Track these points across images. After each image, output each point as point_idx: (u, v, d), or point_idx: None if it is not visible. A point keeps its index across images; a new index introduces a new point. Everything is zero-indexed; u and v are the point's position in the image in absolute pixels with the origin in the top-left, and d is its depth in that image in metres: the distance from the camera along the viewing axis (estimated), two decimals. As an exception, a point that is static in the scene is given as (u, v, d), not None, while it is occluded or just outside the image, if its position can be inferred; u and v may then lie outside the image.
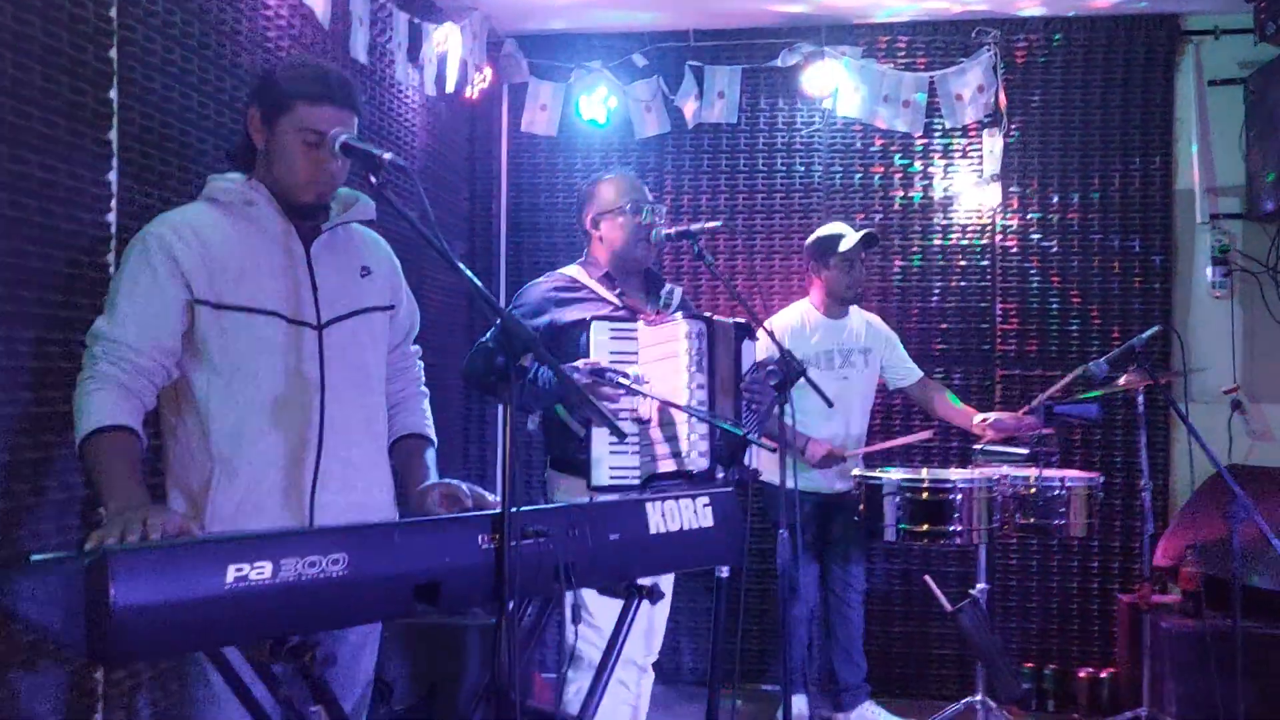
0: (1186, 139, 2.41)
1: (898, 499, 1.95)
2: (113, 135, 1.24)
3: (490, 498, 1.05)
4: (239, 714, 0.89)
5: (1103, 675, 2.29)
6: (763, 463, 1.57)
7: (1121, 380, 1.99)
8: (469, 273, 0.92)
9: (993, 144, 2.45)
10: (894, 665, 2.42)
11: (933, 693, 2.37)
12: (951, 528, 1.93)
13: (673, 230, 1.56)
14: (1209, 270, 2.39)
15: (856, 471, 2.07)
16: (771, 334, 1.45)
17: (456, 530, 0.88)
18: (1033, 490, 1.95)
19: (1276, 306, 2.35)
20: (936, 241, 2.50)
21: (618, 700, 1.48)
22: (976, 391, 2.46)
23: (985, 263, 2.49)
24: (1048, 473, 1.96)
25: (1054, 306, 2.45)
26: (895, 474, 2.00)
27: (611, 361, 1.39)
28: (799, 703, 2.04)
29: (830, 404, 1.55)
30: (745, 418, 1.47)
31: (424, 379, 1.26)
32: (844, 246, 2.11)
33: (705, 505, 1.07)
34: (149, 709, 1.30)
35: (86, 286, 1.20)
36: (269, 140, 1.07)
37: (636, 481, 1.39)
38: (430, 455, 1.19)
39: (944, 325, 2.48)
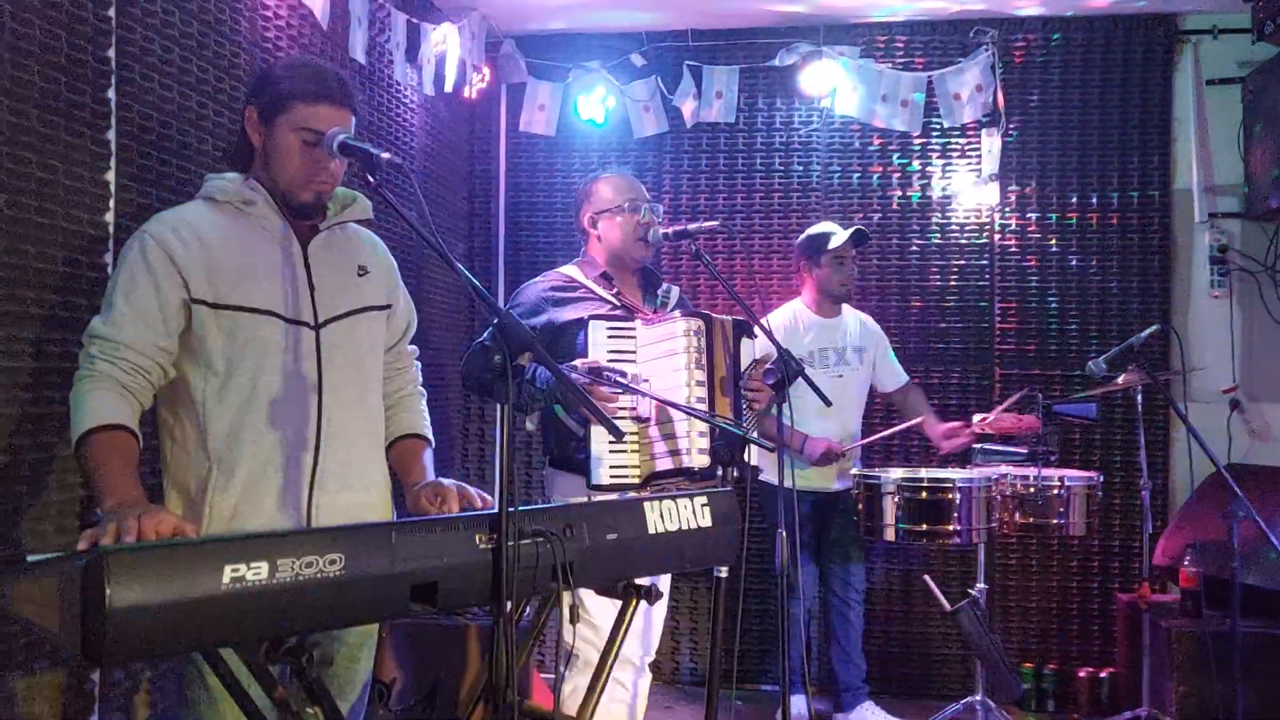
0: (1185, 138, 2.41)
1: (897, 499, 1.95)
2: (111, 135, 1.24)
3: (475, 496, 1.04)
4: (235, 715, 0.88)
5: (1102, 675, 2.29)
6: (761, 462, 1.57)
7: (1120, 379, 1.99)
8: (466, 272, 0.92)
9: (991, 143, 2.45)
10: (893, 665, 2.41)
11: (932, 693, 2.36)
12: (951, 527, 1.92)
13: (671, 230, 1.56)
14: (1207, 269, 2.39)
15: (855, 471, 2.07)
16: (770, 333, 1.45)
17: (454, 530, 0.88)
18: (1032, 489, 1.95)
19: (1275, 305, 2.35)
20: (935, 241, 2.50)
21: (614, 700, 1.48)
22: (976, 391, 2.46)
23: (984, 262, 2.49)
24: (1047, 472, 1.96)
25: (1053, 305, 2.45)
26: (894, 474, 2.00)
27: (610, 360, 1.38)
28: (798, 703, 2.04)
29: (828, 403, 1.55)
30: (744, 416, 1.47)
31: (421, 378, 1.26)
32: (834, 244, 2.12)
33: (703, 505, 1.07)
34: (146, 710, 1.30)
35: (85, 286, 1.20)
36: (266, 139, 1.07)
37: (636, 480, 1.39)
38: (428, 455, 1.19)
39: (943, 324, 2.48)
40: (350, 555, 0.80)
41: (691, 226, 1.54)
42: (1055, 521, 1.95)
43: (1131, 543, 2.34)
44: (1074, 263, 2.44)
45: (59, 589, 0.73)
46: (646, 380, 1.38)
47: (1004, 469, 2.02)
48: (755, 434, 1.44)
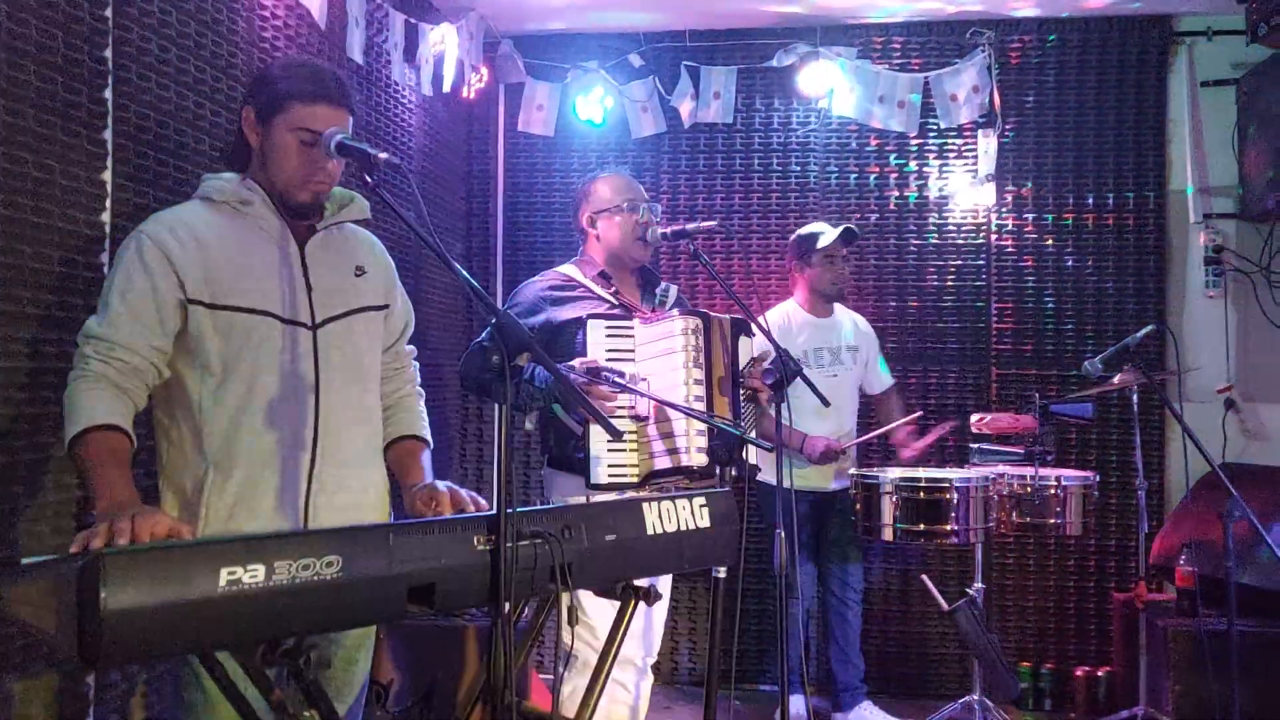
0: (1179, 139, 2.42)
1: (895, 498, 1.95)
2: (107, 135, 1.24)
3: (468, 500, 1.03)
4: (232, 718, 0.88)
5: (1099, 674, 2.30)
6: (760, 462, 1.57)
7: (1116, 379, 2.00)
8: (464, 273, 0.92)
9: (987, 144, 2.46)
10: (891, 665, 2.42)
11: (930, 692, 2.37)
12: (948, 527, 1.93)
13: (669, 230, 1.56)
14: (1202, 270, 2.40)
15: (853, 471, 2.08)
16: (768, 333, 1.46)
17: (452, 532, 0.87)
18: (1029, 489, 1.96)
19: (1269, 306, 2.36)
20: (932, 241, 2.50)
21: (616, 702, 1.48)
22: (973, 390, 2.47)
23: (980, 262, 2.49)
24: (1044, 472, 1.97)
25: (1049, 306, 2.45)
26: (892, 473, 2.00)
27: (608, 360, 1.38)
28: (797, 703, 2.05)
29: (827, 403, 1.55)
30: (742, 415, 1.47)
31: (420, 379, 1.26)
32: (823, 242, 2.13)
33: (702, 506, 1.07)
34: (142, 712, 1.30)
35: (81, 286, 1.19)
36: (264, 139, 1.07)
37: (635, 479, 1.39)
38: (426, 456, 1.18)
39: (940, 324, 2.49)
40: (348, 557, 0.80)
41: (690, 226, 1.54)
42: (1052, 521, 1.95)
43: (1128, 542, 2.35)
44: (1070, 263, 2.45)
45: (54, 591, 0.72)
46: (645, 379, 1.38)
47: (1001, 469, 2.02)
48: (753, 433, 1.44)
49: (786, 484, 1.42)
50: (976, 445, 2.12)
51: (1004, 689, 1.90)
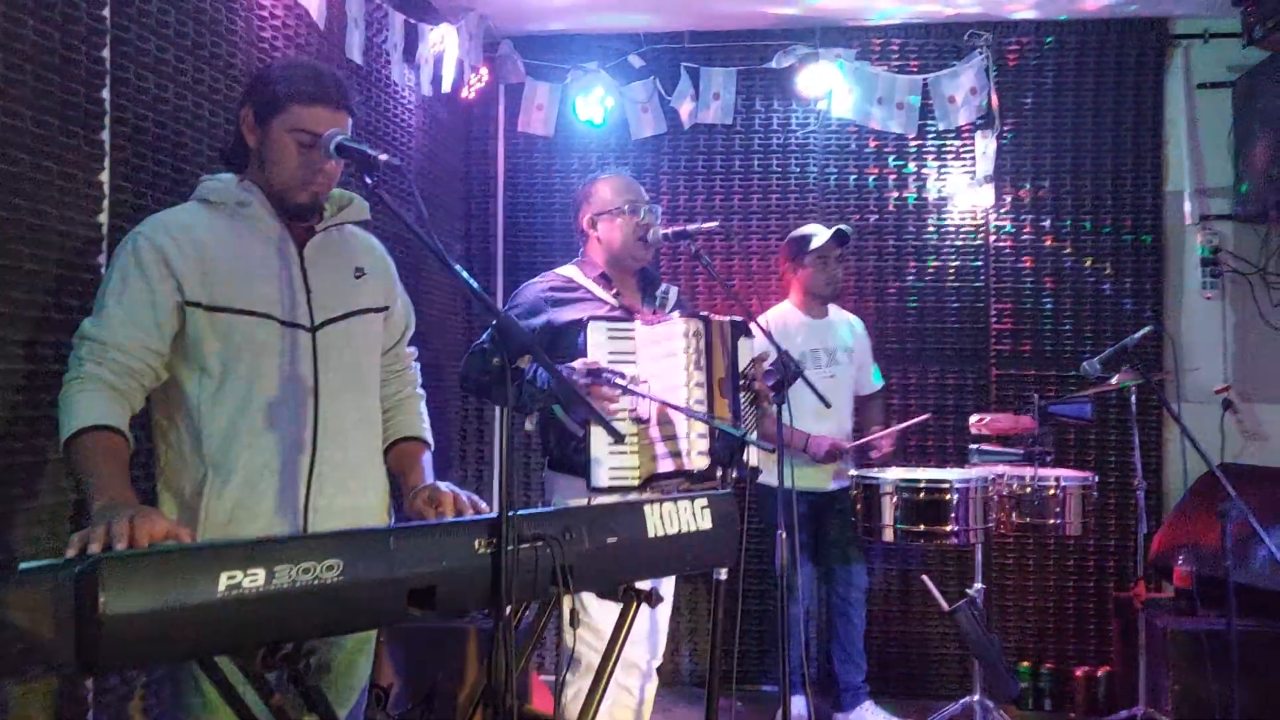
0: (1176, 141, 2.43)
1: (895, 499, 1.96)
2: (105, 135, 1.23)
3: (468, 504, 1.03)
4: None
5: (1099, 674, 2.30)
6: (761, 464, 1.57)
7: (1114, 380, 2.01)
8: (465, 274, 0.92)
9: (986, 145, 2.46)
10: (892, 665, 2.42)
11: (931, 692, 2.37)
12: (948, 527, 1.93)
13: (670, 230, 1.56)
14: (1199, 271, 2.41)
15: (854, 472, 2.08)
16: (769, 334, 1.46)
17: (453, 535, 0.87)
18: (1028, 490, 1.96)
19: (1267, 307, 2.37)
20: (931, 242, 2.51)
21: (621, 705, 1.47)
22: (972, 391, 2.47)
23: (979, 263, 2.50)
24: (1043, 472, 1.97)
25: (1047, 306, 2.46)
26: (892, 474, 2.01)
27: (609, 362, 1.38)
28: (798, 703, 2.04)
29: (828, 404, 1.55)
30: (743, 417, 1.47)
31: (420, 380, 1.25)
32: (816, 244, 2.14)
33: (703, 508, 1.06)
34: (140, 716, 1.29)
35: (78, 288, 1.18)
36: (262, 141, 1.07)
37: (636, 482, 1.38)
38: (427, 458, 1.18)
39: (939, 325, 2.49)
40: (348, 560, 0.79)
41: (691, 227, 1.54)
42: (1051, 521, 1.96)
43: (1127, 542, 2.36)
44: (1068, 264, 2.45)
45: (52, 596, 0.72)
46: (645, 382, 1.38)
47: (1001, 469, 2.03)
48: (754, 435, 1.44)
49: (787, 485, 1.42)
50: (976, 446, 2.12)
51: (1004, 689, 1.91)
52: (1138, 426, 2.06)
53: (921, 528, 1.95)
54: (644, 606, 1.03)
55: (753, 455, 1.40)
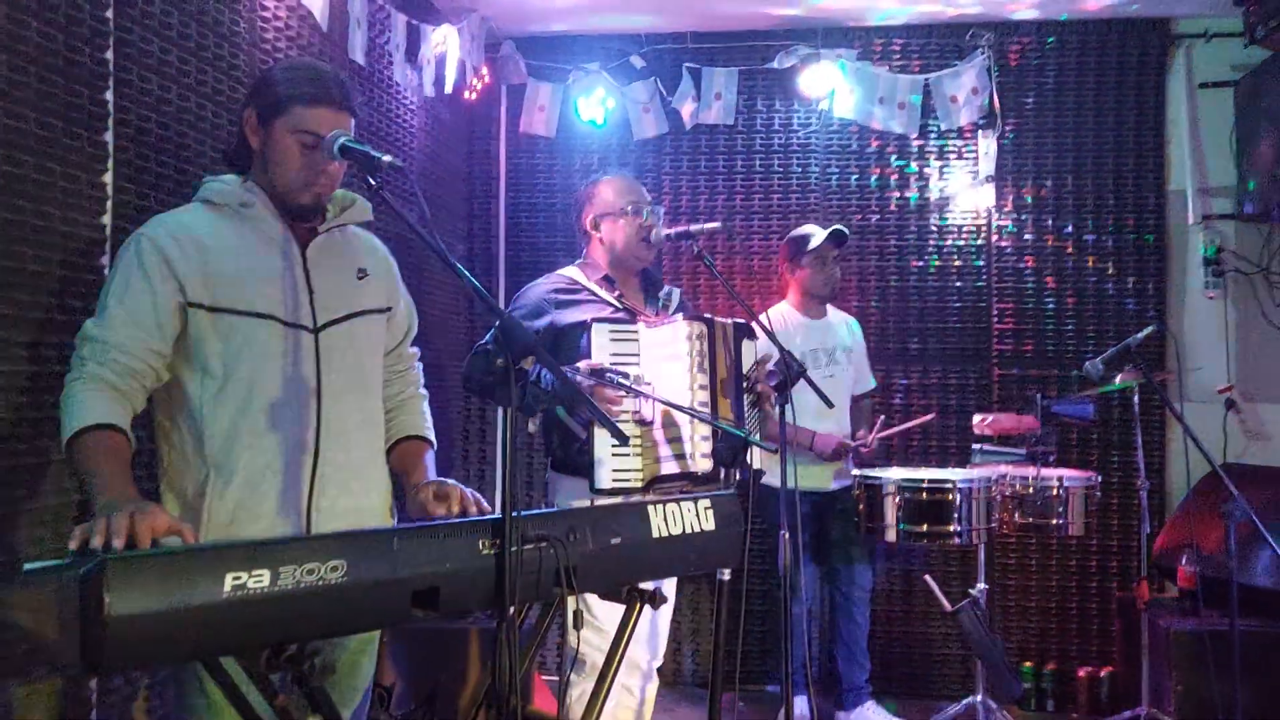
0: (1178, 140, 2.43)
1: (898, 499, 1.96)
2: (108, 137, 1.23)
3: (472, 501, 1.03)
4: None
5: (1102, 674, 2.30)
6: (765, 465, 1.57)
7: (1117, 379, 2.01)
8: (467, 274, 0.92)
9: (987, 145, 2.46)
10: (894, 665, 2.42)
11: (933, 693, 2.37)
12: (951, 527, 1.93)
13: (672, 231, 1.56)
14: (1201, 271, 2.40)
15: (856, 472, 2.08)
16: (772, 335, 1.45)
17: (456, 535, 0.87)
18: (1031, 490, 1.96)
19: (1269, 306, 2.37)
20: (932, 242, 2.51)
21: (622, 706, 1.47)
22: (974, 391, 2.47)
23: (981, 263, 2.50)
24: (1046, 472, 1.97)
25: (1049, 306, 2.46)
26: (895, 474, 2.01)
27: (612, 363, 1.38)
28: (800, 703, 2.04)
29: (830, 404, 1.55)
30: (746, 418, 1.47)
31: (423, 380, 1.26)
32: (813, 244, 2.15)
33: (707, 508, 1.06)
34: (144, 717, 1.29)
35: (81, 289, 1.18)
36: (265, 142, 1.07)
37: (639, 484, 1.38)
38: (429, 457, 1.18)
39: (941, 325, 2.49)
40: (352, 561, 0.80)
41: (693, 228, 1.54)
42: (1054, 521, 1.96)
43: (1129, 542, 2.35)
44: (1070, 264, 2.45)
45: (57, 597, 0.72)
46: (649, 383, 1.38)
47: (1003, 469, 2.02)
48: (757, 436, 1.44)
49: (791, 485, 1.41)
50: (978, 446, 2.12)
51: (1007, 689, 1.90)
52: (1140, 426, 2.05)
53: (924, 528, 1.95)
54: (645, 607, 1.03)
55: (756, 458, 1.40)
